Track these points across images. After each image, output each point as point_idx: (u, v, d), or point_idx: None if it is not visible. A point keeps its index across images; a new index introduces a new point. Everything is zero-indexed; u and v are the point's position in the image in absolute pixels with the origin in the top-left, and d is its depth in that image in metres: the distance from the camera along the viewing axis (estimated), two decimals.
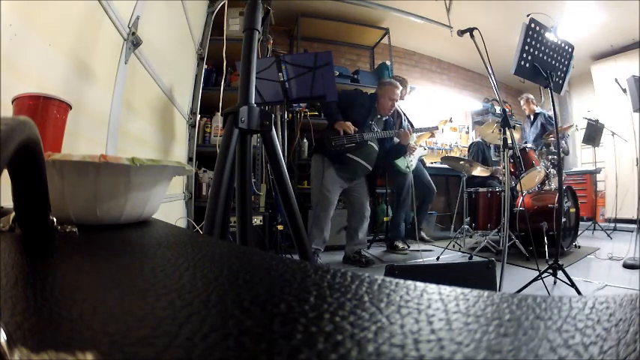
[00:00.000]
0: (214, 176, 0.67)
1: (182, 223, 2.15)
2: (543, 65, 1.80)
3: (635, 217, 2.70)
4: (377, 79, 3.81)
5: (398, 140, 2.54)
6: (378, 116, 2.49)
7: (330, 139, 2.33)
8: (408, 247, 2.86)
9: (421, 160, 3.13)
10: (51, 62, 0.84)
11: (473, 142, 3.16)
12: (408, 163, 2.77)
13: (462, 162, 2.92)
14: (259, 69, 1.83)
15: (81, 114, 0.96)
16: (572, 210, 2.71)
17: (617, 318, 0.14)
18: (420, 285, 0.18)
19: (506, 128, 1.82)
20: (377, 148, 2.45)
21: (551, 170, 2.89)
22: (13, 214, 0.33)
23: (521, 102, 3.66)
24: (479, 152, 3.12)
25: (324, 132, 2.45)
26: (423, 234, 3.04)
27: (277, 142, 0.75)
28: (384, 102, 2.46)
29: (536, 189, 2.83)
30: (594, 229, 3.74)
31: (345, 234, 2.57)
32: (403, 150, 2.58)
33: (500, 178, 2.88)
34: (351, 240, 2.47)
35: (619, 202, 3.81)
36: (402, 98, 2.89)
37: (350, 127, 2.32)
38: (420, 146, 3.05)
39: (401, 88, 2.58)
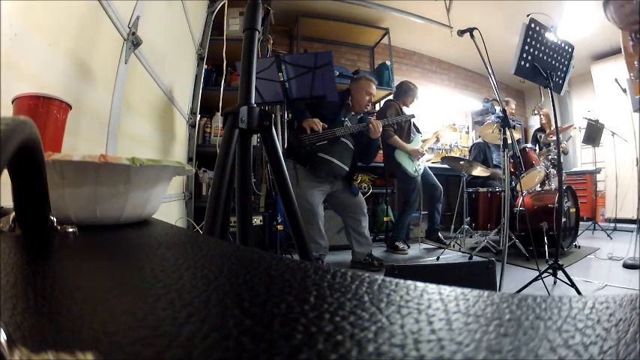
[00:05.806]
0: (214, 176, 0.67)
1: (182, 223, 2.15)
2: (543, 65, 1.80)
3: (635, 217, 2.70)
4: (377, 79, 3.82)
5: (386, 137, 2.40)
6: (352, 113, 2.32)
7: (298, 139, 2.14)
8: (409, 247, 2.86)
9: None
10: (51, 62, 0.84)
11: (474, 143, 3.16)
12: (416, 167, 2.77)
13: (462, 162, 2.92)
14: (259, 69, 1.82)
15: (81, 114, 0.96)
16: (572, 210, 2.71)
17: (617, 318, 0.14)
18: (420, 285, 0.18)
19: (506, 128, 1.83)
20: (352, 147, 2.26)
21: (551, 170, 2.89)
22: (13, 214, 0.33)
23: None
24: (480, 153, 3.11)
25: (291, 134, 2.19)
26: (440, 235, 3.00)
27: (277, 142, 0.75)
28: (359, 97, 2.31)
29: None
30: (594, 229, 3.74)
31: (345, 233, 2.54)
32: (376, 144, 2.38)
33: (501, 177, 2.87)
34: (357, 243, 2.31)
35: (619, 202, 3.81)
36: (407, 105, 2.89)
37: (318, 124, 2.14)
38: (430, 148, 3.05)
39: (376, 83, 2.45)
